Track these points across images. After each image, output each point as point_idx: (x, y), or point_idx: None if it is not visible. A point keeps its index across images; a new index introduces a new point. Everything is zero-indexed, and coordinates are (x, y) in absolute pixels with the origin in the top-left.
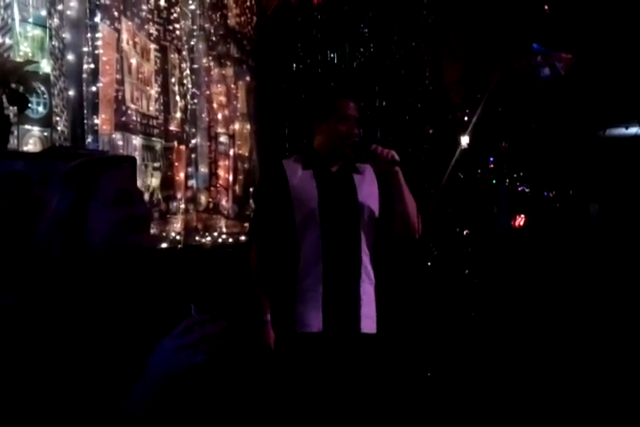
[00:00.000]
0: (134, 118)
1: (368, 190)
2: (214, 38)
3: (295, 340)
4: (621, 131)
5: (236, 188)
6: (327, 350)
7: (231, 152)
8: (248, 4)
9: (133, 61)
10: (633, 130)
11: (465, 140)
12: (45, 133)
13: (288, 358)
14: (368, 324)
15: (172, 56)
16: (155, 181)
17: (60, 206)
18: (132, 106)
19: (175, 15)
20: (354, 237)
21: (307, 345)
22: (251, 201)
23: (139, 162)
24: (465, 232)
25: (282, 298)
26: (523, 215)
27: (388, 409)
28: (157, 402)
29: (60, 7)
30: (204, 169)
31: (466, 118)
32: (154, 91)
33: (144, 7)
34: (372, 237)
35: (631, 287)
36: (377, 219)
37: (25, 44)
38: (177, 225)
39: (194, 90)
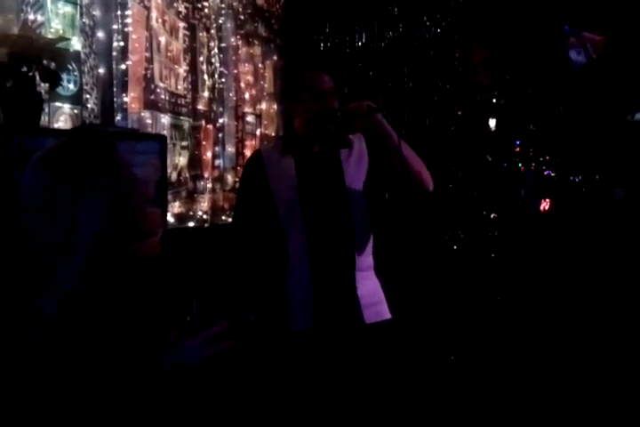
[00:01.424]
0: (163, 97)
1: (356, 165)
2: (242, 17)
3: (287, 338)
4: None
5: None
6: (319, 347)
7: (258, 132)
8: None
9: (162, 39)
10: None
11: (493, 123)
12: (76, 111)
13: (280, 357)
14: (374, 312)
15: (201, 34)
16: (182, 160)
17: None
18: (161, 84)
19: None
20: (343, 223)
21: (297, 343)
22: None
23: (167, 141)
24: (492, 216)
25: (273, 296)
26: (548, 200)
27: (399, 397)
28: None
29: None
30: (230, 148)
31: (494, 100)
32: (182, 69)
33: None
34: (368, 216)
35: None
36: (370, 194)
37: (56, 21)
38: (204, 204)
39: (221, 69)
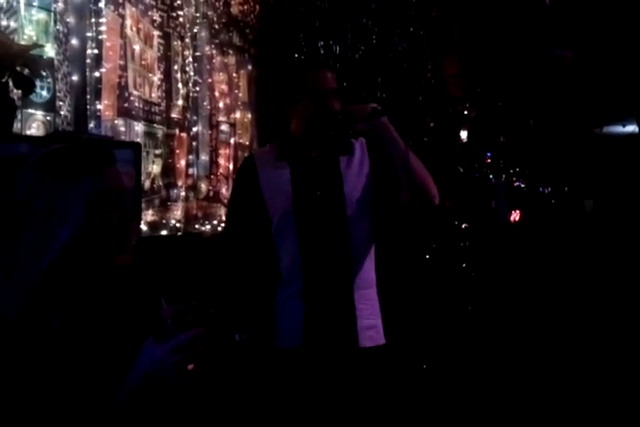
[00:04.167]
0: (137, 105)
1: (357, 174)
2: (217, 26)
3: (274, 356)
4: (618, 128)
5: None
6: (308, 368)
7: (232, 141)
8: None
9: (137, 48)
10: (630, 128)
11: (464, 134)
12: (49, 118)
13: (266, 375)
14: (369, 336)
15: (175, 43)
16: (156, 168)
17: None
18: (135, 92)
19: (179, 2)
20: (341, 237)
21: (284, 362)
22: None
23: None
24: (463, 226)
25: (262, 312)
26: (518, 211)
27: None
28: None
29: None
30: (204, 157)
31: (465, 112)
32: (156, 78)
33: None
34: (369, 229)
35: (624, 281)
36: (372, 206)
37: (29, 27)
38: (177, 213)
39: (196, 77)
